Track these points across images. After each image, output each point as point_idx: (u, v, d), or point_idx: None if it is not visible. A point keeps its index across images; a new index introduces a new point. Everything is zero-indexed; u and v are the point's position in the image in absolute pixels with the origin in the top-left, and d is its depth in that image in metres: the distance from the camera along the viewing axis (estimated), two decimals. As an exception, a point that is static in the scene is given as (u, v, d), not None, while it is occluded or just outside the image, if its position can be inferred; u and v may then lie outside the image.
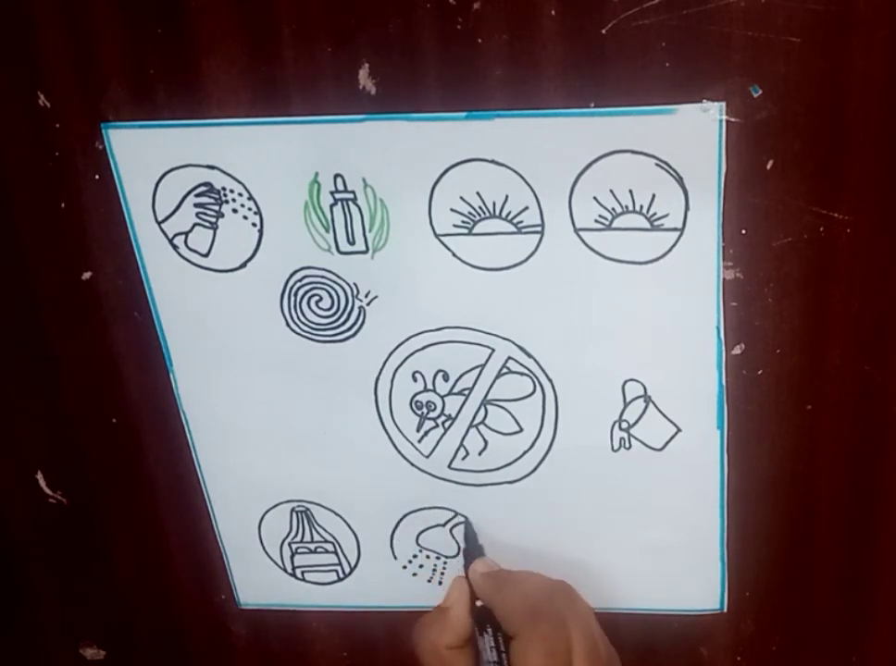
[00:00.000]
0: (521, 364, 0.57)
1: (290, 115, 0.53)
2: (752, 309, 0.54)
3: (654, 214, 0.52)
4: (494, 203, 0.53)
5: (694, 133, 0.50)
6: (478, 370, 0.58)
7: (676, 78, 0.49)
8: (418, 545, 0.64)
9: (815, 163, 0.50)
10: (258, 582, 0.68)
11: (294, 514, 0.65)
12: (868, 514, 0.59)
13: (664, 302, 0.54)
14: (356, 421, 0.61)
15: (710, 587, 0.62)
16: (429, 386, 0.59)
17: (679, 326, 0.55)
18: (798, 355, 0.55)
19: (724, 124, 0.49)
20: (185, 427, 0.63)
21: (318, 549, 0.66)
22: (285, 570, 0.67)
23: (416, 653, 0.58)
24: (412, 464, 0.61)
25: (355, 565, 0.66)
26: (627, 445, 0.59)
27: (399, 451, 0.61)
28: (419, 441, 0.61)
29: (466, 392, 0.59)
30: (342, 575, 0.67)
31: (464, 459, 0.61)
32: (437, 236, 0.55)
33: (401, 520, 0.64)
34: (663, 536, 0.61)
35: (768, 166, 0.51)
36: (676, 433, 0.58)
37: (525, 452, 0.60)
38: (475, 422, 0.59)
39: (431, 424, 0.60)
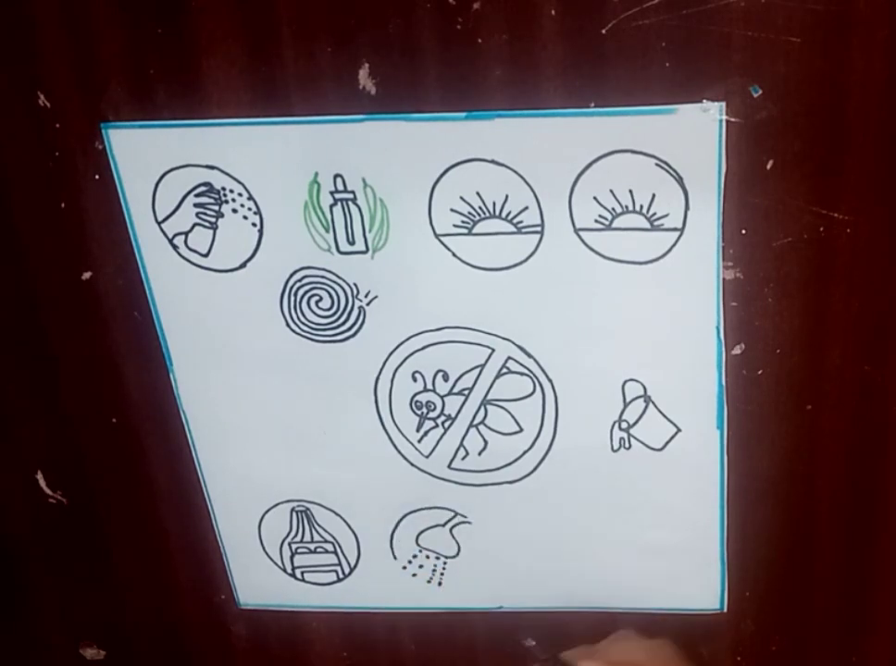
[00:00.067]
0: (521, 364, 0.57)
1: (290, 115, 0.53)
2: (752, 309, 0.54)
3: (654, 214, 0.52)
4: (494, 203, 0.53)
5: (694, 133, 0.50)
6: (478, 370, 0.58)
7: (676, 78, 0.49)
8: (418, 545, 0.64)
9: (815, 163, 0.50)
10: (258, 582, 0.68)
11: (294, 514, 0.65)
12: (868, 514, 0.59)
13: (664, 302, 0.54)
14: (356, 421, 0.61)
15: (710, 587, 0.62)
16: (429, 386, 0.59)
17: (679, 326, 0.55)
18: (798, 355, 0.55)
19: (724, 124, 0.49)
20: (185, 427, 0.63)
21: (318, 549, 0.66)
22: (285, 570, 0.67)
23: None
24: (412, 464, 0.61)
25: (355, 565, 0.66)
26: (627, 445, 0.59)
27: (399, 451, 0.61)
28: (419, 441, 0.61)
29: (466, 392, 0.59)
30: (341, 576, 0.67)
31: (464, 459, 0.61)
32: (437, 236, 0.55)
33: (401, 520, 0.64)
34: (663, 536, 0.61)
35: (768, 166, 0.51)
36: (676, 433, 0.58)
37: (525, 452, 0.60)
38: (475, 422, 0.59)
39: (431, 424, 0.60)
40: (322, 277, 0.57)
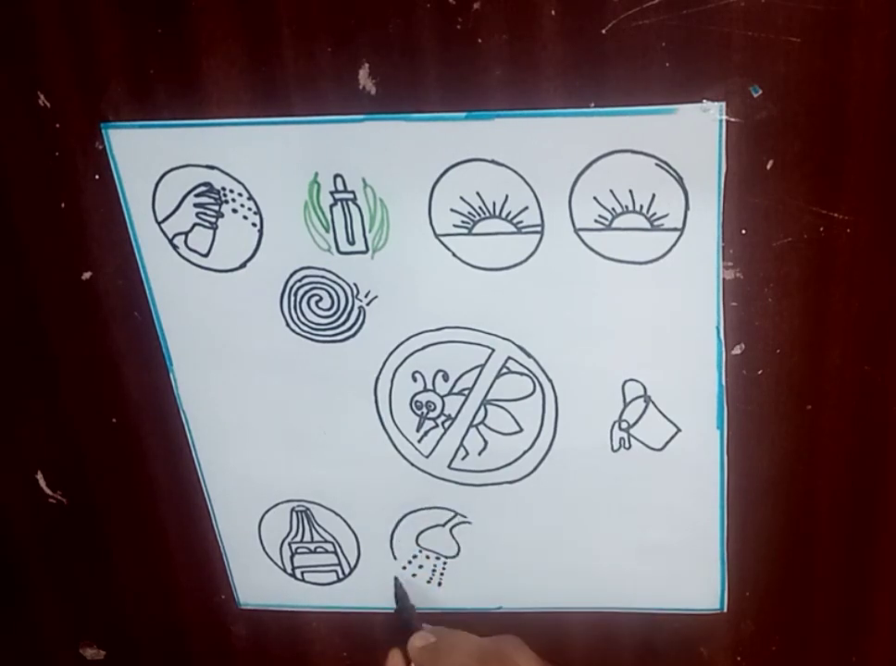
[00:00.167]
0: (521, 364, 0.57)
1: (290, 115, 0.53)
2: (752, 309, 0.54)
3: (654, 214, 0.52)
4: (494, 203, 0.53)
5: (694, 133, 0.50)
6: (477, 370, 0.58)
7: (676, 78, 0.49)
8: (418, 545, 0.64)
9: (815, 163, 0.50)
10: (258, 582, 0.68)
11: (294, 514, 0.65)
12: (868, 514, 0.59)
13: (664, 302, 0.54)
14: (356, 421, 0.61)
15: (710, 587, 0.62)
16: (429, 386, 0.59)
17: (679, 326, 0.55)
18: (798, 355, 0.55)
19: (724, 124, 0.49)
20: (185, 427, 0.63)
21: (318, 549, 0.66)
22: (285, 570, 0.67)
23: None
24: (412, 464, 0.61)
25: (355, 565, 0.66)
26: (627, 445, 0.59)
27: (399, 451, 0.61)
28: (419, 441, 0.61)
29: (466, 392, 0.59)
30: (341, 576, 0.67)
31: (464, 459, 0.61)
32: (437, 236, 0.55)
33: (401, 520, 0.64)
34: (663, 536, 0.61)
35: (768, 166, 0.51)
36: (676, 433, 0.58)
37: (525, 452, 0.60)
38: (475, 422, 0.59)
39: (431, 424, 0.60)
40: (322, 277, 0.57)
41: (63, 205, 0.58)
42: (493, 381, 0.58)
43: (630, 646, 0.66)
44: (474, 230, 0.54)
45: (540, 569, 0.64)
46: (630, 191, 0.52)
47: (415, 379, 0.59)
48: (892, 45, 0.47)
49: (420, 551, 0.65)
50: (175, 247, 0.57)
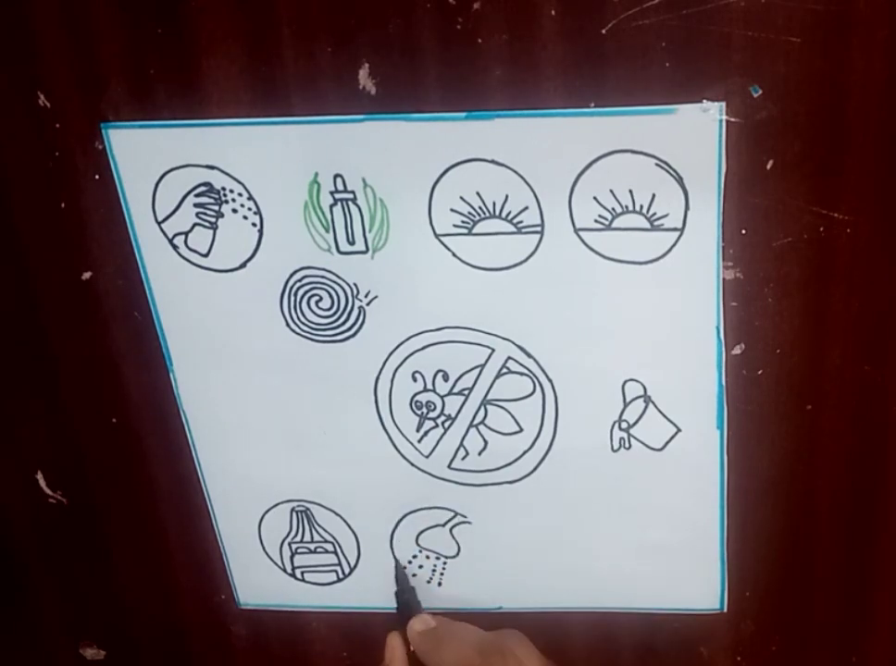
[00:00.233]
0: (521, 364, 0.57)
1: (290, 115, 0.53)
2: (752, 309, 0.54)
3: (654, 214, 0.52)
4: (494, 203, 0.53)
5: (694, 133, 0.50)
6: (477, 370, 0.58)
7: (676, 78, 0.49)
8: (418, 545, 0.64)
9: (815, 163, 0.50)
10: (258, 582, 0.68)
11: (294, 514, 0.65)
12: (868, 514, 0.59)
13: (664, 302, 0.54)
14: (356, 421, 0.61)
15: (710, 587, 0.62)
16: (429, 386, 0.59)
17: (679, 326, 0.55)
18: (798, 355, 0.55)
19: (724, 124, 0.49)
20: (185, 427, 0.63)
21: (318, 549, 0.66)
22: (285, 570, 0.67)
23: None
24: (412, 464, 0.61)
25: (355, 565, 0.66)
26: (627, 445, 0.59)
27: (399, 451, 0.61)
28: (419, 441, 0.61)
29: (466, 392, 0.59)
30: (341, 575, 0.67)
31: (464, 459, 0.61)
32: (437, 236, 0.55)
33: (401, 520, 0.64)
34: (663, 536, 0.61)
35: (768, 166, 0.51)
36: (676, 433, 0.58)
37: (525, 452, 0.60)
38: (475, 422, 0.59)
39: (431, 424, 0.60)
40: (322, 277, 0.57)
41: (63, 205, 0.58)
42: (493, 381, 0.58)
43: (630, 646, 0.66)
44: (474, 230, 0.54)
45: (540, 569, 0.64)
46: (630, 191, 0.52)
47: (415, 379, 0.59)
48: (892, 45, 0.47)
49: (420, 551, 0.65)
50: (175, 247, 0.57)
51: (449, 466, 0.61)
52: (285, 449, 0.62)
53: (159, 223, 0.57)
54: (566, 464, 0.60)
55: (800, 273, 0.53)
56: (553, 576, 0.64)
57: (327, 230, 0.55)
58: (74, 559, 0.70)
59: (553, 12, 0.48)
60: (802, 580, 0.62)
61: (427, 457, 0.61)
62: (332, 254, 0.56)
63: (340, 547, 0.65)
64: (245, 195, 0.55)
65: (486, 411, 0.59)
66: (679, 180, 0.51)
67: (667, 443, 0.58)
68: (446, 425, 0.60)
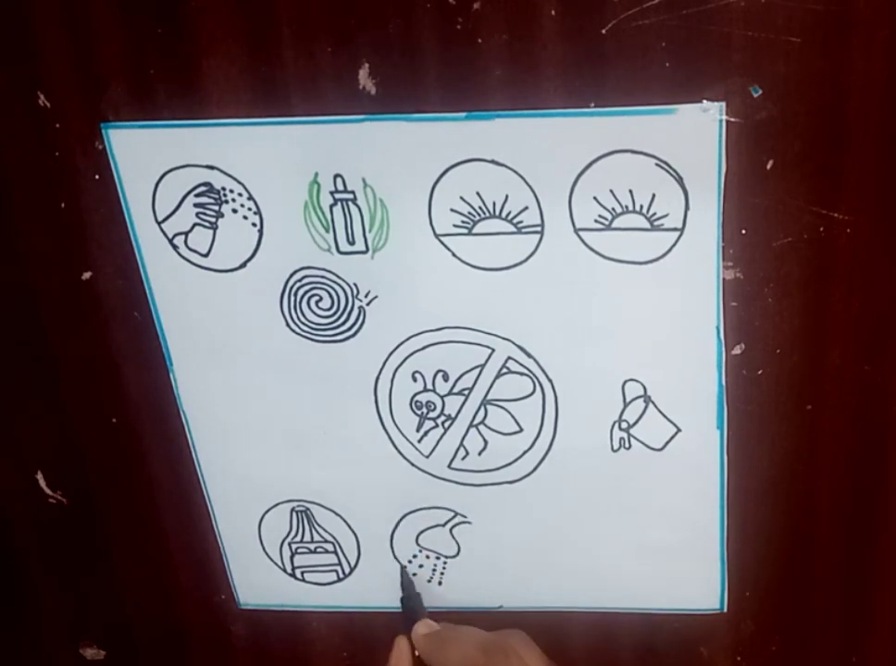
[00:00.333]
0: (521, 364, 0.57)
1: (290, 115, 0.53)
2: (752, 309, 0.54)
3: (654, 214, 0.52)
4: (494, 203, 0.53)
5: (694, 133, 0.50)
6: (477, 370, 0.58)
7: (676, 78, 0.49)
8: (418, 545, 0.64)
9: (815, 163, 0.50)
10: (258, 582, 0.68)
11: (294, 514, 0.65)
12: (868, 514, 0.59)
13: (664, 302, 0.54)
14: (356, 421, 0.61)
15: (710, 587, 0.62)
16: (429, 386, 0.59)
17: (679, 326, 0.55)
18: (798, 355, 0.55)
19: (724, 124, 0.49)
20: (185, 427, 0.63)
21: (318, 549, 0.66)
22: (285, 570, 0.67)
23: None
24: (412, 464, 0.61)
25: (355, 565, 0.66)
26: (627, 445, 0.59)
27: (399, 451, 0.61)
28: (419, 441, 0.61)
29: (466, 392, 0.59)
30: (341, 575, 0.67)
31: (464, 459, 0.61)
32: (437, 236, 0.55)
33: (401, 520, 0.64)
34: (663, 536, 0.61)
35: (768, 166, 0.51)
36: (676, 433, 0.58)
37: (525, 452, 0.60)
38: (475, 422, 0.59)
39: (431, 424, 0.60)
40: (322, 277, 0.57)
41: (63, 205, 0.58)
42: (493, 381, 0.58)
43: (630, 646, 0.66)
44: (474, 230, 0.54)
45: (540, 569, 0.64)
46: (630, 191, 0.52)
47: (415, 379, 0.59)
48: (892, 45, 0.47)
49: (420, 551, 0.65)
50: (175, 247, 0.57)
51: (449, 466, 0.61)
52: (285, 449, 0.62)
53: (159, 223, 0.57)
54: (566, 464, 0.60)
55: (800, 273, 0.53)
56: (553, 576, 0.64)
57: (327, 230, 0.55)
58: (74, 559, 0.70)
59: (553, 12, 0.48)
60: (802, 580, 0.62)
61: (427, 457, 0.61)
62: (332, 254, 0.56)
63: (340, 547, 0.66)
64: (245, 195, 0.55)
65: (486, 411, 0.59)
66: (679, 180, 0.51)
67: (667, 443, 0.58)
68: (446, 425, 0.60)
